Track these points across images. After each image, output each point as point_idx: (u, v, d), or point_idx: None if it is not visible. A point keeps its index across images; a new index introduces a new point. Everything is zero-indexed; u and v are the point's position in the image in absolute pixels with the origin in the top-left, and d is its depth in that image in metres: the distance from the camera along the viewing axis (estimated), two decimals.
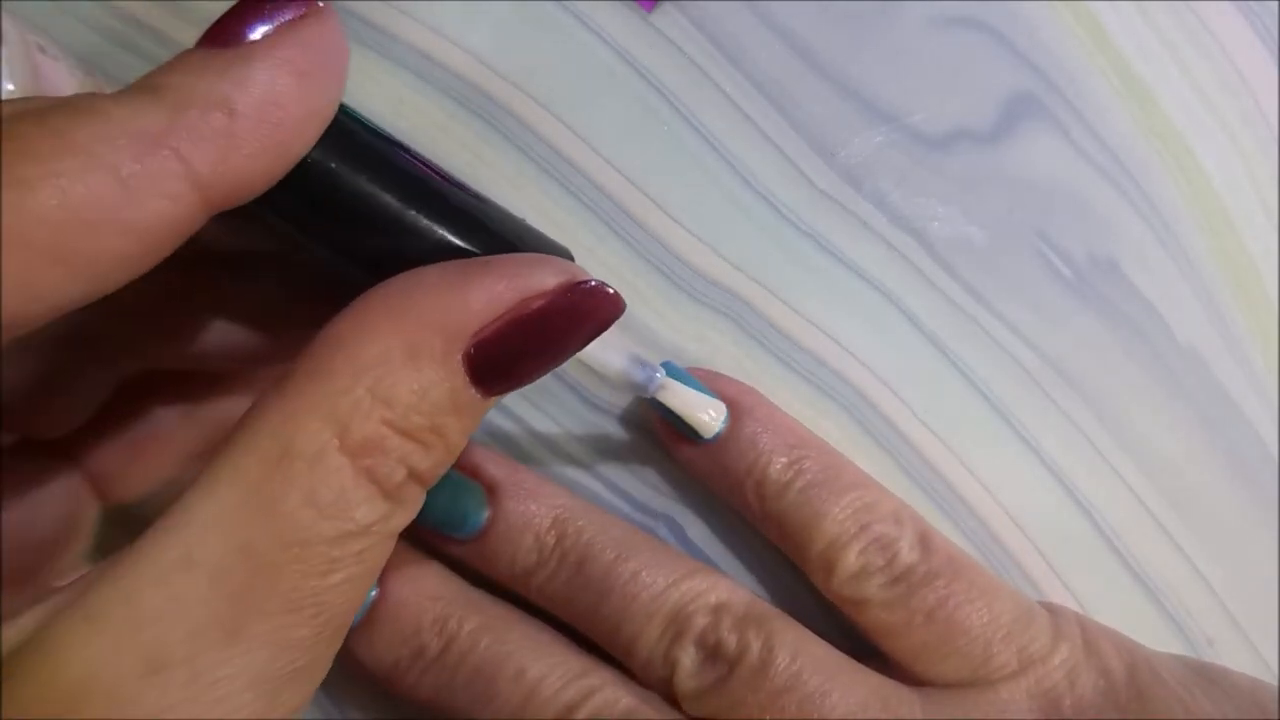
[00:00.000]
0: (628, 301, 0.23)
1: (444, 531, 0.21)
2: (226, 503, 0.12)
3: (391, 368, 0.13)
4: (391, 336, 0.13)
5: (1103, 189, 0.24)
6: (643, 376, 0.19)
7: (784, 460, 0.21)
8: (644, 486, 0.23)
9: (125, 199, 0.11)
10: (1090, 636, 0.21)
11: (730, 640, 0.20)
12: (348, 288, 0.15)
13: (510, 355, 0.14)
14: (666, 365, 0.22)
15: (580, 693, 0.19)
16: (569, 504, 0.21)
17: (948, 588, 0.20)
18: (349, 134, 0.15)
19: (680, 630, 0.20)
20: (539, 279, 0.14)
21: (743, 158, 0.24)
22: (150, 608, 0.12)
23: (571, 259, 0.17)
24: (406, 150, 0.15)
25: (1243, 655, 0.24)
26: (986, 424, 0.24)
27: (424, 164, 0.15)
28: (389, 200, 0.14)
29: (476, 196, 0.16)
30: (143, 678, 0.12)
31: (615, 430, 0.23)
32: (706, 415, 0.21)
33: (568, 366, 0.23)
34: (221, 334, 0.18)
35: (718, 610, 0.20)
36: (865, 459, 0.23)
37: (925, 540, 0.21)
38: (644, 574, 0.20)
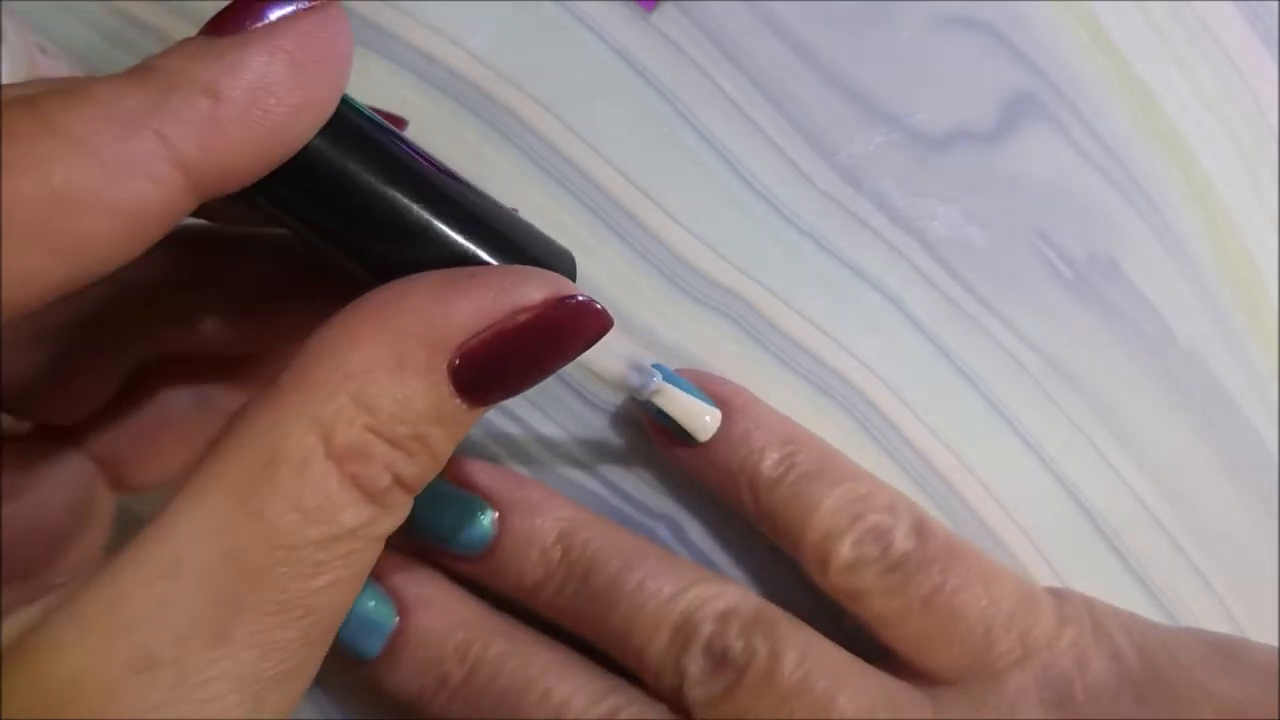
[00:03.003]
0: (628, 301, 0.24)
1: (451, 550, 0.21)
2: (214, 508, 0.13)
3: (376, 377, 0.13)
4: (377, 346, 0.13)
5: (1103, 189, 0.24)
6: (638, 381, 0.19)
7: (776, 456, 0.21)
8: (644, 487, 0.23)
9: (107, 180, 0.11)
10: (1098, 618, 0.21)
11: (737, 646, 0.20)
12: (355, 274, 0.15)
13: (495, 368, 0.14)
14: (657, 368, 0.22)
15: (606, 711, 0.19)
16: (574, 516, 0.21)
17: (944, 574, 0.20)
18: (353, 128, 0.14)
19: (687, 638, 0.20)
20: (526, 293, 0.14)
21: (743, 158, 0.24)
22: (138, 610, 0.12)
23: (572, 260, 0.17)
24: (410, 147, 0.15)
25: None
26: (986, 424, 0.24)
27: (427, 161, 0.15)
28: (389, 198, 0.14)
29: (480, 195, 0.16)
30: (130, 678, 0.12)
31: (615, 432, 0.23)
32: (701, 420, 0.21)
33: (568, 368, 0.23)
34: (234, 317, 0.18)
35: (724, 616, 0.20)
36: (865, 459, 0.23)
37: (921, 528, 0.21)
38: (649, 583, 0.20)
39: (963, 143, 0.24)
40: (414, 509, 0.21)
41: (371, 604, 0.20)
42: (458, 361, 0.14)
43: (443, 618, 0.20)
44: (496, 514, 0.21)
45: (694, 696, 0.20)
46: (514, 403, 0.23)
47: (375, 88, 0.24)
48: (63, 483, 0.18)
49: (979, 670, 0.20)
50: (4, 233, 0.11)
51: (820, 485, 0.21)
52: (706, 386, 0.22)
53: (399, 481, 0.14)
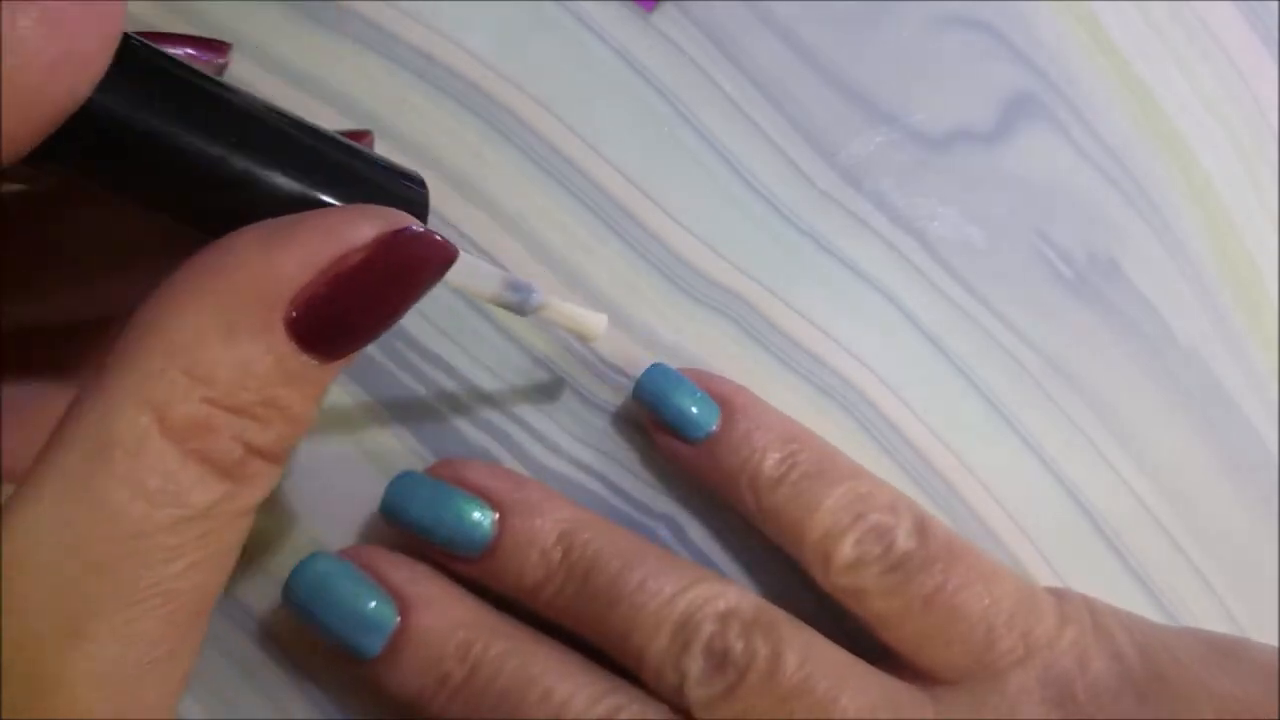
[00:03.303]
0: (628, 301, 0.24)
1: (451, 550, 0.21)
2: (52, 503, 0.12)
3: (207, 345, 0.13)
4: (203, 312, 0.13)
5: (1103, 189, 0.24)
6: (516, 298, 0.19)
7: (777, 455, 0.21)
8: (644, 487, 0.23)
9: None
10: (1099, 618, 0.21)
11: (738, 647, 0.20)
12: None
13: (337, 316, 0.13)
14: (657, 367, 0.22)
15: (607, 711, 0.19)
16: (574, 516, 0.21)
17: (945, 573, 0.20)
18: (147, 72, 0.13)
19: (688, 638, 0.20)
20: (355, 231, 0.13)
21: (743, 158, 0.24)
22: None
23: (424, 186, 0.16)
24: (221, 85, 0.14)
25: None
26: (986, 424, 0.24)
27: (242, 98, 0.14)
28: (199, 147, 0.13)
29: (312, 131, 0.15)
30: None
31: (615, 430, 0.23)
32: (591, 322, 0.21)
33: (566, 365, 0.23)
34: (78, 279, 0.17)
35: (725, 617, 0.20)
36: (865, 459, 0.23)
37: (922, 528, 0.21)
38: (650, 583, 0.20)
39: (963, 143, 0.24)
40: (413, 510, 0.21)
41: (372, 603, 0.20)
42: (294, 315, 0.13)
43: (443, 617, 0.20)
44: (497, 515, 0.21)
45: (694, 697, 0.20)
46: (514, 402, 0.23)
47: (375, 88, 0.24)
48: None
49: (980, 670, 0.20)
50: None
51: (821, 484, 0.21)
52: (707, 385, 0.22)
53: (254, 451, 0.13)
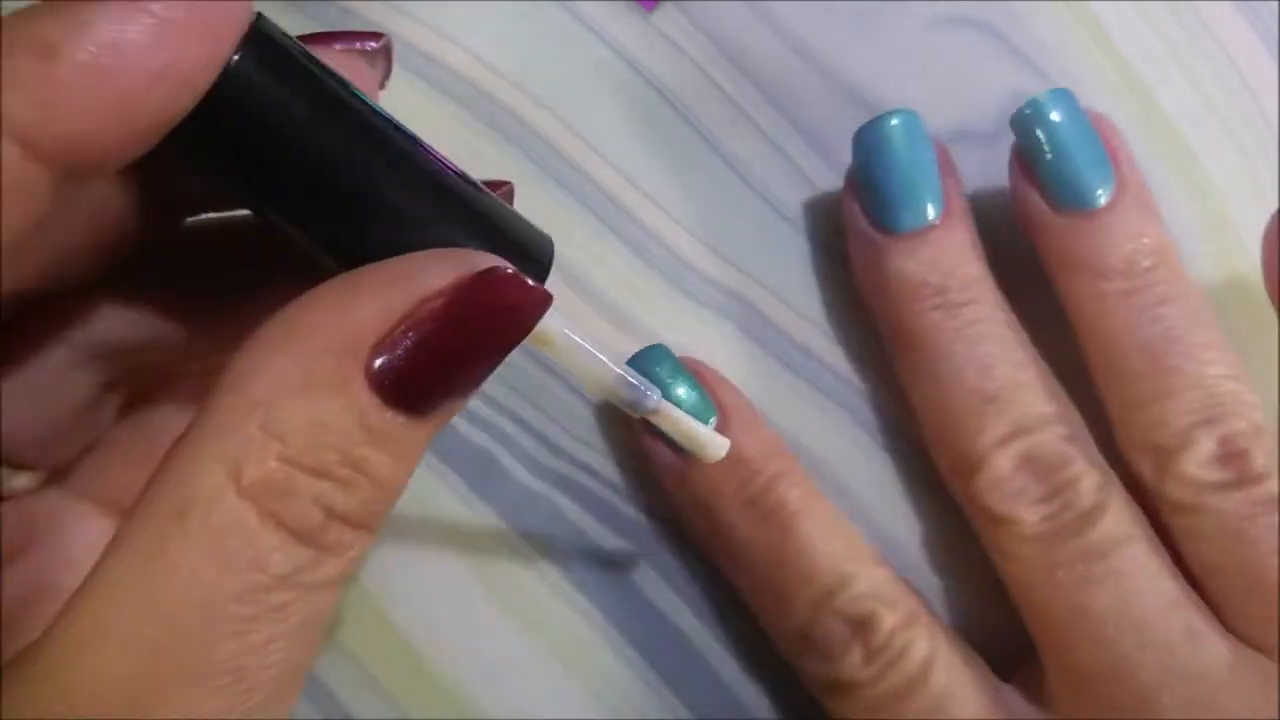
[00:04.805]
0: (628, 301, 0.24)
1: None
2: (133, 564, 0.11)
3: (282, 399, 0.12)
4: (281, 366, 0.12)
5: None
6: (630, 395, 0.17)
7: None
8: (644, 487, 0.23)
9: None
10: None
11: (1256, 454, 0.19)
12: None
13: (422, 367, 0.12)
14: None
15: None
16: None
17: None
18: (297, 87, 0.13)
19: (1213, 419, 0.20)
20: (431, 276, 0.12)
21: (743, 158, 0.24)
22: (67, 683, 0.11)
23: (550, 247, 0.15)
24: (365, 107, 0.13)
25: None
26: None
27: (380, 122, 0.13)
28: (335, 177, 0.13)
29: (445, 174, 0.14)
30: None
31: (615, 430, 0.23)
32: (709, 443, 0.19)
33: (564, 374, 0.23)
34: (220, 324, 0.17)
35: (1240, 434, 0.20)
36: (867, 459, 0.23)
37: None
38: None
39: (963, 143, 0.24)
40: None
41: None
42: (375, 368, 0.12)
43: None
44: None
45: (1200, 480, 0.19)
46: (514, 402, 0.23)
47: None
48: (72, 536, 0.16)
49: None
50: None
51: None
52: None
53: (336, 517, 0.12)
